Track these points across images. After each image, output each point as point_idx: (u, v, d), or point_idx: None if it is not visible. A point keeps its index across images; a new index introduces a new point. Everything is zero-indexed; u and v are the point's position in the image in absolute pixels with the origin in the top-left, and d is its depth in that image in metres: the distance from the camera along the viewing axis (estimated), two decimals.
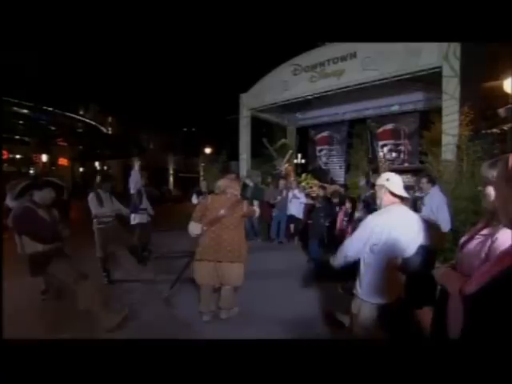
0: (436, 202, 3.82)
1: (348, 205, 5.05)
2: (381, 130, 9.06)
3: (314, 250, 5.22)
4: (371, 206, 4.38)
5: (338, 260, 2.02)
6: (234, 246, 3.11)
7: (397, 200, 1.94)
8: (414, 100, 8.24)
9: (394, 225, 1.85)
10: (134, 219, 5.45)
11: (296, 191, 7.00)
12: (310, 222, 5.48)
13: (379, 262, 1.87)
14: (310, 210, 6.35)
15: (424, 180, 4.10)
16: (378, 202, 2.01)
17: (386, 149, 9.01)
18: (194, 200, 6.78)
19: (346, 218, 5.00)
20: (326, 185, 8.04)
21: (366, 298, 1.92)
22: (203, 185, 7.24)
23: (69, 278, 2.77)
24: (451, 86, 5.37)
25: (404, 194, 1.94)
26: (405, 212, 1.94)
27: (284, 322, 3.08)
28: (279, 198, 7.07)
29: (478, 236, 1.24)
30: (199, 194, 7.01)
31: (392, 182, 1.94)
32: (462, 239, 1.33)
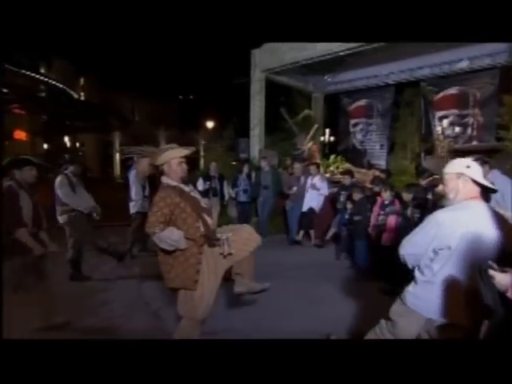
0: (499, 190, 3.85)
1: (386, 195, 5.22)
2: (440, 95, 8.77)
3: (362, 255, 5.46)
4: (427, 203, 4.44)
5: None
6: (161, 267, 2.82)
7: (477, 194, 1.99)
8: (491, 51, 7.60)
9: (473, 226, 1.86)
10: (134, 207, 6.09)
11: (316, 179, 7.06)
12: (357, 218, 5.62)
13: (446, 271, 1.92)
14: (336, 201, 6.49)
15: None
16: (451, 196, 2.05)
17: (446, 122, 8.71)
18: (200, 186, 7.13)
19: (382, 212, 5.19)
20: (356, 169, 8.11)
21: (419, 310, 2.01)
22: (212, 167, 7.58)
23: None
24: None
25: (490, 184, 2.00)
26: (487, 211, 1.95)
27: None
28: (295, 189, 7.16)
29: None
30: (207, 178, 7.40)
31: (474, 170, 1.98)
32: None
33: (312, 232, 7.25)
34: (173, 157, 2.74)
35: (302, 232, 7.20)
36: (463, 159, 2.12)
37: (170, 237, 2.51)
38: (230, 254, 2.77)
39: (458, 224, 1.89)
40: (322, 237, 7.09)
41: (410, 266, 2.12)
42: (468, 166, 2.00)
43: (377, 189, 5.69)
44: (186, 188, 2.84)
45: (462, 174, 1.99)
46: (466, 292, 1.85)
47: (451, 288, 1.90)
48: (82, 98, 31.91)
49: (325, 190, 7.08)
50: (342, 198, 6.40)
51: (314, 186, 6.99)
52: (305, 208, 7.07)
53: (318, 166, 7.64)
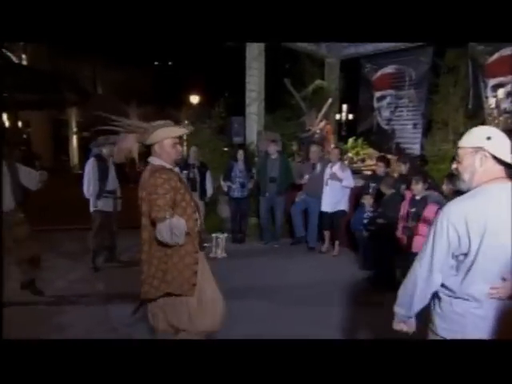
0: None
1: (417, 188, 5.20)
2: (495, 57, 8.55)
3: (386, 265, 5.54)
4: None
5: (408, 303, 2.04)
6: (144, 268, 2.88)
7: (501, 174, 1.89)
8: None
9: (498, 216, 1.78)
10: (92, 205, 6.13)
11: (336, 167, 7.10)
12: (380, 221, 5.72)
13: (473, 280, 1.85)
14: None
15: None
16: (466, 176, 1.96)
17: (502, 92, 8.51)
18: None
19: (413, 210, 5.20)
20: (389, 156, 8.17)
21: (448, 336, 1.96)
22: (192, 153, 7.71)
23: None
24: None
25: None
26: None
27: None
28: (307, 177, 7.31)
29: None
30: (184, 167, 7.50)
31: (496, 142, 1.88)
32: None
33: (327, 234, 7.43)
34: (167, 136, 2.86)
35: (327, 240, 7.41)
36: (484, 128, 2.08)
37: (178, 226, 2.59)
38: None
39: (476, 217, 1.80)
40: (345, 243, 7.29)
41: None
42: (488, 138, 1.87)
43: (403, 168, 5.88)
44: (181, 174, 2.98)
45: (480, 148, 1.88)
46: (505, 308, 1.81)
47: (484, 304, 1.85)
48: (25, 63, 31.53)
49: (349, 180, 7.10)
50: (371, 192, 6.49)
51: (334, 176, 7.00)
52: (326, 207, 7.14)
53: (340, 150, 7.72)
